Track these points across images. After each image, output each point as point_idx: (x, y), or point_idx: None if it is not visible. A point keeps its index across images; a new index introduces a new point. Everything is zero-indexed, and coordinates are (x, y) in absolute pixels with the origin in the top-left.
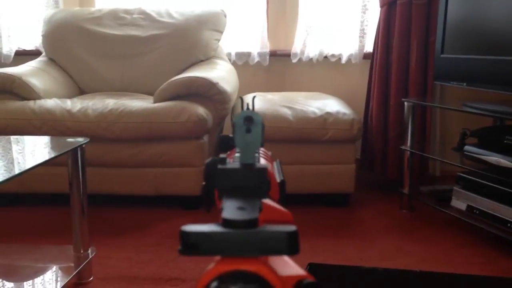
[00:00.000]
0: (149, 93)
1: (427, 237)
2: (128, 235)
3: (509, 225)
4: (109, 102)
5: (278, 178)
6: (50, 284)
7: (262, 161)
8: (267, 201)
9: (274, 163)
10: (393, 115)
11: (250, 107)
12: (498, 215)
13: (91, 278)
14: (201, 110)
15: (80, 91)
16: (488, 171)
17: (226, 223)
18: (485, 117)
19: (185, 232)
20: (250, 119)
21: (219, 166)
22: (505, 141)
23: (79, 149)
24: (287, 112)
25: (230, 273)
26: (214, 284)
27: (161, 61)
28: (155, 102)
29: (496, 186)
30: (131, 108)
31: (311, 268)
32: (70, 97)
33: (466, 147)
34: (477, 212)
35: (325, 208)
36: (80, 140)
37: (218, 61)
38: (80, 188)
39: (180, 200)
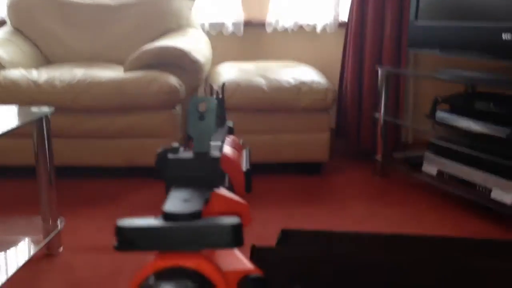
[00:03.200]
0: (119, 63)
1: (399, 201)
2: (99, 206)
3: (477, 188)
4: (77, 72)
5: (244, 167)
6: (18, 255)
7: (226, 149)
8: (223, 192)
9: (244, 151)
10: (367, 84)
11: (220, 94)
12: (467, 179)
13: (61, 249)
14: (173, 80)
15: (48, 61)
16: (458, 136)
17: (166, 216)
18: (457, 84)
19: (120, 227)
20: (203, 105)
21: (170, 156)
22: (475, 107)
23: (44, 119)
24: (261, 81)
25: (166, 269)
26: (149, 281)
27: (132, 30)
28: (125, 71)
29: (465, 151)
30: (100, 78)
31: (284, 234)
32: (37, 68)
33: (438, 114)
34: (448, 176)
35: (300, 177)
36: (45, 109)
37: (191, 30)
38: (46, 158)
39: (153, 170)
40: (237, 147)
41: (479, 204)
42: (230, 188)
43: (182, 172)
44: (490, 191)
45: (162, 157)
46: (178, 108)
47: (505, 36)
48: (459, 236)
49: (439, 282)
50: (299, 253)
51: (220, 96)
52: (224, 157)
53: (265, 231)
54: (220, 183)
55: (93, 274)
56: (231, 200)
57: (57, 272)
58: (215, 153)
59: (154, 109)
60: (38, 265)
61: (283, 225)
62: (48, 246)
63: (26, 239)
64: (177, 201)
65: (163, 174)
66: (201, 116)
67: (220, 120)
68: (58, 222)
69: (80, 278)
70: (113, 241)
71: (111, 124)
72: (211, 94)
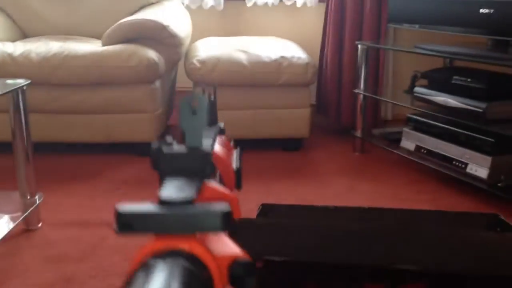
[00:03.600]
0: (97, 36)
1: (378, 177)
2: (79, 182)
3: (454, 162)
4: (54, 45)
5: (234, 166)
6: None
7: (217, 148)
8: (213, 184)
9: (234, 151)
10: (347, 59)
11: (212, 96)
12: (444, 154)
13: (40, 224)
14: (152, 54)
15: (24, 35)
16: (436, 111)
17: (162, 202)
18: (436, 58)
19: (120, 213)
20: (195, 101)
21: (165, 150)
22: (452, 81)
23: (20, 91)
24: (241, 56)
25: (162, 251)
26: (147, 262)
27: (109, 3)
28: (103, 45)
29: (443, 125)
30: (77, 52)
31: (264, 208)
32: (12, 41)
33: (416, 89)
34: (425, 151)
35: (281, 152)
36: (21, 81)
37: (170, 4)
38: (23, 133)
39: (133, 146)
40: (227, 147)
41: (456, 179)
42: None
43: (175, 165)
44: (466, 165)
45: (156, 151)
46: (158, 83)
47: (482, 10)
48: (436, 209)
49: (411, 247)
50: (277, 225)
51: (212, 97)
52: (215, 154)
53: (245, 206)
54: (211, 176)
55: (72, 249)
56: (220, 191)
57: (36, 247)
58: (207, 147)
59: (133, 84)
60: (17, 241)
61: (263, 200)
62: (26, 221)
63: (4, 215)
64: (172, 189)
65: (158, 166)
66: (194, 111)
67: (212, 121)
68: (37, 197)
69: (59, 253)
70: (93, 217)
71: (89, 99)
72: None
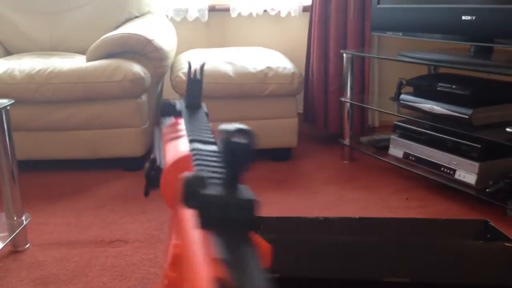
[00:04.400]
0: (81, 52)
1: (367, 185)
2: (65, 199)
3: (442, 169)
4: (38, 62)
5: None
6: None
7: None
8: (255, 235)
9: None
10: (333, 68)
11: (198, 74)
12: (432, 160)
13: (28, 245)
14: (137, 68)
15: (6, 52)
16: (422, 118)
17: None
18: (421, 66)
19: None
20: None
21: (202, 192)
22: (438, 88)
23: (3, 111)
24: (227, 67)
25: None
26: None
27: (92, 18)
28: (88, 61)
29: (430, 132)
30: (62, 68)
31: None
32: None
33: (402, 96)
34: (413, 158)
35: (269, 163)
36: (4, 101)
37: (154, 17)
38: (8, 153)
39: (120, 161)
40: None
41: (445, 185)
42: None
43: (218, 214)
44: (454, 171)
45: (190, 188)
46: (144, 97)
47: (464, 17)
48: (426, 217)
49: (401, 260)
50: (268, 239)
51: (198, 75)
52: None
53: None
54: (254, 227)
55: (61, 270)
56: (260, 241)
57: (24, 269)
58: (249, 195)
59: (119, 98)
60: (5, 263)
61: None
62: (13, 243)
63: None
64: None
65: (192, 205)
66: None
67: (196, 102)
68: (23, 218)
69: (48, 274)
70: (81, 236)
71: (75, 115)
72: (189, 72)
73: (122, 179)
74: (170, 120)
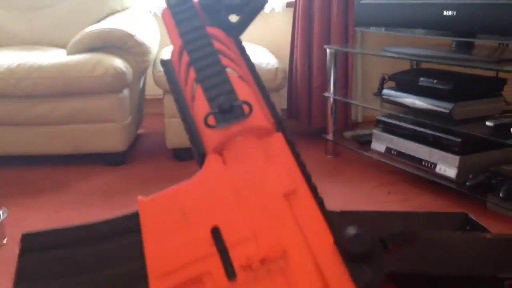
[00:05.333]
0: (62, 46)
1: (350, 179)
2: (46, 194)
3: (423, 163)
4: (18, 57)
5: None
6: None
7: None
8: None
9: None
10: (316, 63)
11: None
12: (414, 155)
13: (5, 240)
14: (119, 63)
15: None
16: (405, 113)
17: None
18: (403, 61)
19: None
20: None
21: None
22: (419, 83)
23: None
24: None
25: None
26: None
27: (74, 12)
28: (68, 55)
29: (412, 127)
30: (42, 62)
31: None
32: None
33: (385, 91)
34: (395, 152)
35: None
36: None
37: (136, 12)
38: None
39: (101, 156)
40: None
41: (426, 179)
42: None
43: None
44: (435, 165)
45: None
46: (126, 92)
47: (446, 13)
48: (408, 210)
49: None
50: None
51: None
52: None
53: None
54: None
55: None
56: None
57: (1, 264)
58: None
59: (101, 93)
60: None
61: None
62: None
63: None
64: None
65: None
66: None
67: None
68: (1, 212)
69: None
70: None
71: (55, 110)
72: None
73: (104, 174)
74: None
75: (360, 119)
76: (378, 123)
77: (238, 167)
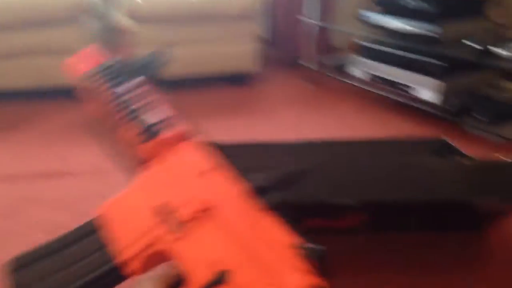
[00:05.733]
0: None
1: (328, 107)
2: (9, 131)
3: (400, 87)
4: None
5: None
6: None
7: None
8: None
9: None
10: None
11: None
12: (394, 80)
13: None
14: None
15: None
16: (388, 37)
17: None
18: None
19: None
20: None
21: None
22: (403, 5)
23: None
24: None
25: None
26: None
27: None
28: None
29: (394, 51)
30: None
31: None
32: None
33: (367, 15)
34: (376, 78)
35: (230, 88)
36: None
37: None
38: None
39: (67, 91)
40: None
41: (407, 105)
42: None
43: None
44: (415, 90)
45: None
46: (86, 20)
47: None
48: (386, 136)
49: (353, 180)
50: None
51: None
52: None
53: None
54: None
55: (6, 203)
56: None
57: None
58: None
59: (60, 23)
60: None
61: (212, 137)
62: None
63: None
64: None
65: None
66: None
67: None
68: None
69: None
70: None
71: (19, 42)
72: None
73: (70, 110)
74: None
75: (341, 45)
76: (358, 48)
77: (163, 166)
